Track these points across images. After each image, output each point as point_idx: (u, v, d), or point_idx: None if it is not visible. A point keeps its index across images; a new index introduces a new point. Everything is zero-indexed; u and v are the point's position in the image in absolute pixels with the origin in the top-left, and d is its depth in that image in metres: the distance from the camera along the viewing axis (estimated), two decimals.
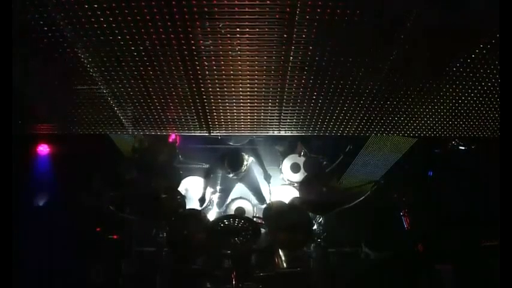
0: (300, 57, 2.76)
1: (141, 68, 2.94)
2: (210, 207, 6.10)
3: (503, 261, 2.61)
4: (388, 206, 6.38)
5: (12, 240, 2.69)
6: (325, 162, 6.32)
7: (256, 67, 2.85)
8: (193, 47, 2.63)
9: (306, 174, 6.23)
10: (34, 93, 3.43)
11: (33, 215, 5.83)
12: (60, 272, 5.49)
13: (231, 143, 6.55)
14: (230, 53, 2.72)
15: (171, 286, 5.61)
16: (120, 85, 3.11)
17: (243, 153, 5.55)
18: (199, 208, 5.73)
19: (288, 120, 3.44)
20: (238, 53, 2.72)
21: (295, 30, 2.48)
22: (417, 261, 6.07)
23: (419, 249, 6.14)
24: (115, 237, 6.08)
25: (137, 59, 2.83)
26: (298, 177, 6.36)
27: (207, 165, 6.33)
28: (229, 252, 5.28)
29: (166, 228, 5.49)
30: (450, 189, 6.52)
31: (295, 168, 6.44)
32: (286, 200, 5.72)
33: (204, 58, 2.74)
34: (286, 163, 6.49)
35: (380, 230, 6.35)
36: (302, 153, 6.44)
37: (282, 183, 6.50)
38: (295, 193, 6.17)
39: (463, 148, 6.48)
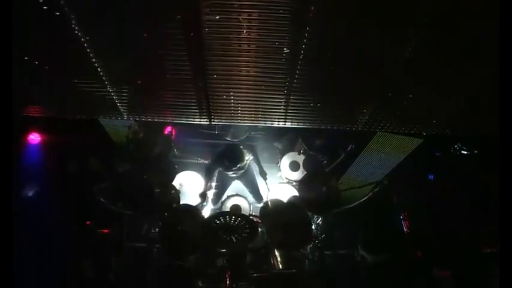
0: (313, 44, 2.57)
1: (141, 47, 2.73)
2: (205, 203, 5.88)
3: (503, 264, 2.57)
4: (388, 208, 6.31)
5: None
6: (325, 161, 6.14)
7: (265, 51, 2.66)
8: (199, 23, 2.42)
9: (305, 172, 6.02)
10: (25, 72, 3.21)
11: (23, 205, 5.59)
12: (49, 264, 5.37)
13: (228, 138, 6.36)
14: (238, 33, 2.53)
15: (162, 283, 5.41)
16: (116, 65, 2.90)
17: (243, 150, 5.35)
18: (194, 204, 5.51)
19: (295, 111, 3.25)
20: (247, 33, 2.53)
21: (311, 10, 2.29)
22: (415, 265, 5.99)
23: (417, 254, 6.10)
24: (106, 231, 5.89)
25: (137, 37, 2.62)
26: (297, 175, 6.16)
27: (204, 161, 6.15)
28: (224, 250, 5.05)
29: (159, 223, 5.29)
30: (451, 193, 6.43)
31: (294, 166, 6.25)
32: (284, 199, 5.53)
33: (210, 37, 2.53)
34: (285, 161, 6.29)
35: (378, 232, 6.26)
36: (302, 151, 6.25)
37: (280, 182, 6.29)
38: (293, 192, 5.97)
39: (465, 152, 6.43)
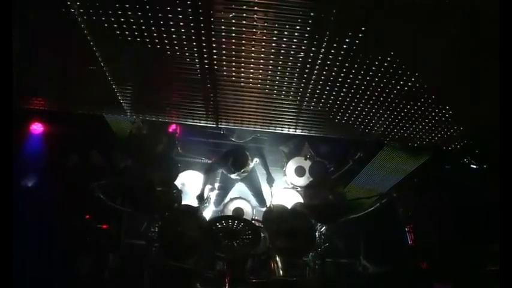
0: (333, 50, 2.41)
1: (148, 44, 2.57)
2: (207, 204, 5.74)
3: (503, 267, 2.52)
4: (392, 220, 6.19)
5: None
6: (332, 168, 6.00)
7: (280, 54, 2.50)
8: (211, 20, 2.26)
9: (311, 179, 5.89)
10: (30, 64, 3.07)
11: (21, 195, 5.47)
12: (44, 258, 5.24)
13: (233, 139, 6.21)
14: (252, 33, 2.36)
15: (158, 283, 5.23)
16: (122, 61, 2.75)
17: (248, 153, 5.20)
18: (195, 205, 5.37)
19: (307, 118, 3.09)
20: (261, 34, 2.37)
21: (334, 13, 2.12)
22: (416, 278, 5.87)
23: (422, 267, 5.99)
24: (104, 227, 5.76)
25: (144, 32, 2.47)
26: (302, 181, 6.05)
27: (208, 161, 6.01)
28: (224, 255, 4.92)
29: (159, 223, 5.15)
30: (457, 207, 6.30)
31: (299, 171, 6.11)
32: (288, 205, 5.39)
33: (222, 35, 2.37)
34: (291, 165, 6.17)
35: (381, 243, 6.11)
36: (308, 156, 6.10)
37: (284, 187, 6.16)
38: (298, 198, 5.87)
39: (474, 166, 6.29)
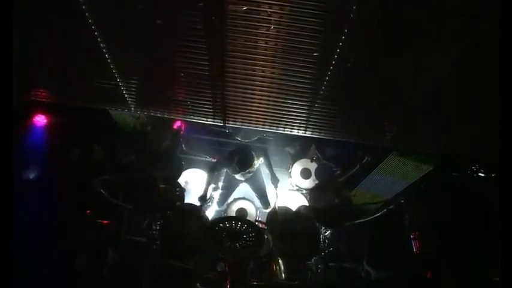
0: (349, 50, 2.29)
1: (156, 37, 2.46)
2: (210, 204, 5.65)
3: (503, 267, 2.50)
4: (398, 226, 6.08)
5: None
6: (338, 172, 5.88)
7: (294, 52, 2.38)
8: (223, 13, 2.15)
9: (317, 181, 5.78)
10: (35, 55, 2.98)
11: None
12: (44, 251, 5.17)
13: (238, 138, 6.11)
14: (265, 28, 2.24)
15: (157, 282, 5.21)
16: (128, 53, 2.64)
17: (253, 153, 5.09)
18: (198, 204, 5.28)
19: (318, 120, 2.97)
20: (275, 29, 2.25)
21: (353, 10, 2.00)
22: (419, 286, 5.81)
23: (427, 276, 5.89)
24: (105, 222, 5.68)
25: (152, 25, 2.36)
26: (308, 183, 5.93)
27: (212, 159, 5.92)
28: (226, 256, 4.83)
29: (161, 221, 5.09)
30: (464, 215, 6.20)
31: (305, 173, 6.00)
32: (293, 207, 5.28)
33: (233, 30, 2.26)
34: (297, 167, 6.05)
35: (385, 249, 6.03)
36: (314, 158, 5.98)
37: (289, 189, 6.05)
38: (303, 200, 5.75)
39: (482, 175, 6.19)
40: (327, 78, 2.49)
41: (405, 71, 2.48)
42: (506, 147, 2.52)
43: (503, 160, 2.54)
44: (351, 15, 2.01)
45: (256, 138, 6.07)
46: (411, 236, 6.16)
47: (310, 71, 2.49)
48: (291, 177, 6.06)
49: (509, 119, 2.52)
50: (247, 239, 4.57)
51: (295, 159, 6.16)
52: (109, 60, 2.68)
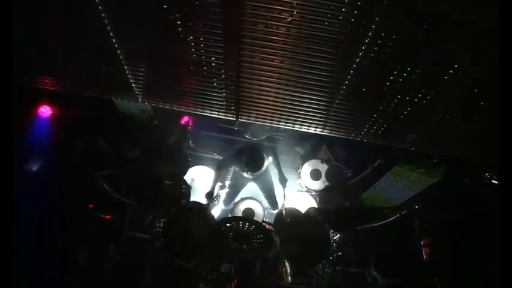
0: (375, 46, 2.10)
1: (167, 23, 2.29)
2: (216, 202, 5.51)
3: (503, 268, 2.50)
4: (408, 232, 5.90)
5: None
6: (349, 174, 5.72)
7: (316, 43, 2.19)
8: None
9: (327, 183, 5.62)
10: (40, 41, 2.83)
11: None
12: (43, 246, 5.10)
13: (247, 136, 5.95)
14: (285, 17, 2.07)
15: (160, 281, 5.20)
16: (136, 40, 2.48)
17: (264, 154, 4.94)
18: (204, 202, 5.13)
19: (338, 119, 2.79)
20: (299, 16, 2.07)
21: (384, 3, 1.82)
22: None
23: (435, 284, 5.72)
24: (108, 217, 5.62)
25: (163, 12, 2.19)
26: (317, 185, 5.76)
27: (219, 157, 5.77)
28: (232, 257, 4.69)
29: (165, 218, 4.97)
30: (476, 222, 6.06)
31: (315, 175, 5.83)
32: (302, 209, 5.12)
33: (251, 18, 2.08)
34: (306, 168, 5.89)
35: (394, 255, 5.92)
36: (325, 159, 5.81)
37: (298, 190, 5.89)
38: (312, 202, 5.59)
39: (495, 182, 6.04)
40: (352, 72, 2.31)
41: (434, 72, 2.30)
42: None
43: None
44: (384, 1, 1.83)
45: (265, 137, 5.92)
46: (421, 243, 6.04)
47: (333, 63, 2.30)
48: (300, 178, 5.90)
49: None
50: (255, 240, 4.42)
51: (305, 159, 6.00)
52: (116, 46, 2.52)
